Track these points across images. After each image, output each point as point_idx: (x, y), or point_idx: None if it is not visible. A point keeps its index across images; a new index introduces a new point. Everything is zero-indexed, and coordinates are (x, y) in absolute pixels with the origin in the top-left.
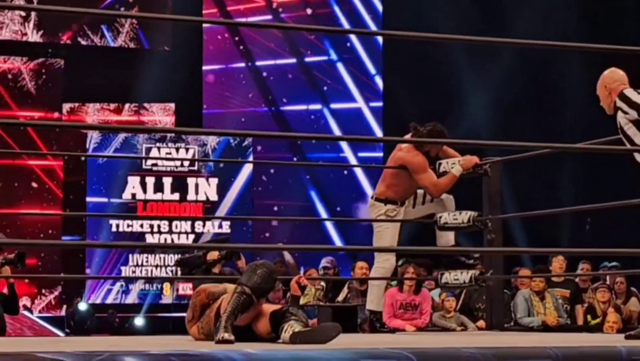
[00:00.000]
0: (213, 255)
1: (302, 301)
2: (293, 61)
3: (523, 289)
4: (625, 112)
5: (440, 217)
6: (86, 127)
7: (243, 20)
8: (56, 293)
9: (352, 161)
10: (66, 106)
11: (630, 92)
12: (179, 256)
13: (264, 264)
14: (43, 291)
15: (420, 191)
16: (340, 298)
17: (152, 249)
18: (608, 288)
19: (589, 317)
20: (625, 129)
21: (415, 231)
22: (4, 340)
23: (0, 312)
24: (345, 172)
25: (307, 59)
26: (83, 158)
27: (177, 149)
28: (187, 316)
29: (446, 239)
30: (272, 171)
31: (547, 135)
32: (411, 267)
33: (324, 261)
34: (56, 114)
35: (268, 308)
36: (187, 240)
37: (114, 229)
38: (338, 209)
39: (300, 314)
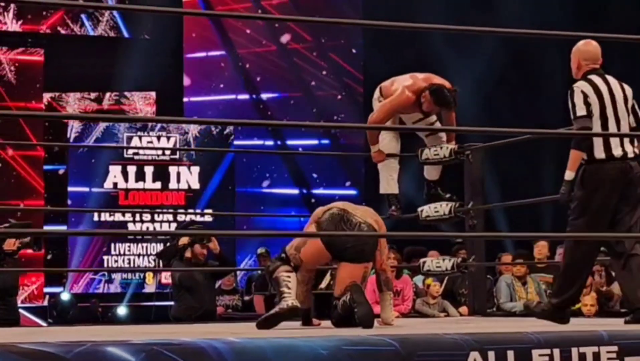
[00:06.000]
0: (183, 240)
1: None
2: (274, 48)
3: (505, 274)
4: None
5: (422, 210)
6: (67, 117)
7: (224, 9)
8: (38, 282)
9: (334, 146)
10: (47, 96)
11: (578, 89)
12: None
13: None
14: (25, 281)
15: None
16: (323, 285)
17: (134, 238)
18: None
19: None
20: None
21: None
22: None
23: (14, 303)
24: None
25: (289, 47)
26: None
27: (159, 138)
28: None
29: (430, 173)
30: (253, 158)
31: (529, 120)
32: (391, 252)
33: None
34: (36, 104)
35: None
36: (169, 229)
37: (95, 218)
38: (319, 194)
39: None
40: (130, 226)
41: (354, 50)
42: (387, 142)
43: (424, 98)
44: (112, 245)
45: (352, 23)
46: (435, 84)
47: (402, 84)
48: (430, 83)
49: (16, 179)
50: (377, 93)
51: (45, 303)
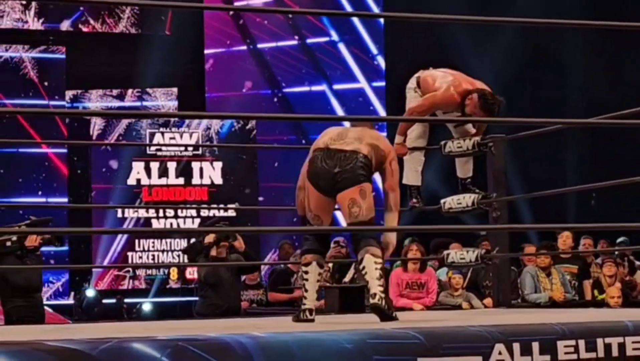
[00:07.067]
0: (209, 238)
1: None
2: (295, 42)
3: (529, 265)
4: None
5: (444, 202)
6: (90, 114)
7: (244, 4)
8: (63, 280)
9: None
10: (69, 93)
11: None
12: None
13: None
14: (50, 278)
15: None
16: (347, 278)
17: (159, 234)
18: (614, 262)
19: (595, 292)
20: None
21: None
22: (12, 328)
23: (39, 300)
24: None
25: (309, 41)
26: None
27: (181, 134)
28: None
29: (464, 170)
30: (276, 153)
31: (550, 111)
32: (415, 245)
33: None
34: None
35: None
36: (192, 224)
37: (119, 215)
38: None
39: None
40: (154, 222)
41: (375, 44)
42: (414, 137)
43: (470, 100)
44: (137, 241)
45: (371, 15)
46: (483, 89)
47: (446, 82)
48: (477, 87)
49: (41, 176)
50: (413, 82)
51: (71, 300)
